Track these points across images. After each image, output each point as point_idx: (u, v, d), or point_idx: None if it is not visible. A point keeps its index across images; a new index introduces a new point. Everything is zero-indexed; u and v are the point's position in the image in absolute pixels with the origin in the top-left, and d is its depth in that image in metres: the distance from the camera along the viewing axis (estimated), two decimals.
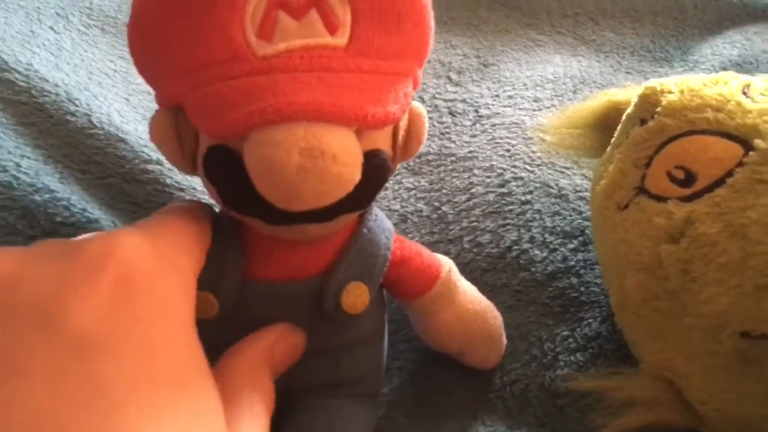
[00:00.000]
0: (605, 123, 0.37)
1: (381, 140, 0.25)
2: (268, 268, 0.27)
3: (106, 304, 0.19)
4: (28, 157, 0.37)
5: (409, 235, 0.39)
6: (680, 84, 0.32)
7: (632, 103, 0.33)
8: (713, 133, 0.29)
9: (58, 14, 0.48)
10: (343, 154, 0.22)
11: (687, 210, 0.28)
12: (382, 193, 0.42)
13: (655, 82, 0.32)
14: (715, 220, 0.27)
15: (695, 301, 0.27)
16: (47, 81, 0.40)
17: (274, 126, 0.22)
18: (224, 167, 0.23)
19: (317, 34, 0.23)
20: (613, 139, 0.34)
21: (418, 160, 0.44)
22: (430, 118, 0.48)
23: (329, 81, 0.23)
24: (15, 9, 0.47)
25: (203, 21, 0.22)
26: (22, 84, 0.40)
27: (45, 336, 0.19)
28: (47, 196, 0.35)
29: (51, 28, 0.47)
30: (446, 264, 0.30)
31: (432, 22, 0.25)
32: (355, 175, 0.23)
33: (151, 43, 0.24)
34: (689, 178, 0.29)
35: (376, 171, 0.25)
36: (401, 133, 0.26)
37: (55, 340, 0.19)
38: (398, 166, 0.44)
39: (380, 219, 0.28)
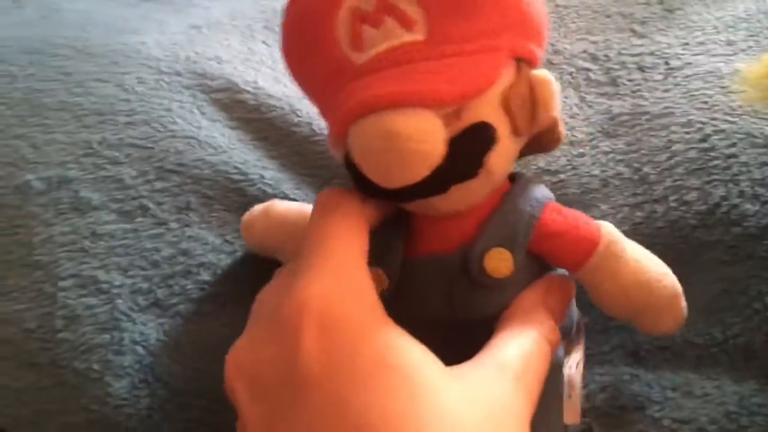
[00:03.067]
0: None
1: (485, 113, 0.28)
2: (419, 243, 0.30)
3: (315, 351, 0.25)
4: (269, 169, 0.43)
5: (612, 199, 0.40)
6: None
7: None
8: None
9: (266, 27, 0.54)
10: (418, 133, 0.26)
11: None
12: (579, 160, 0.44)
13: None
14: None
15: None
16: (272, 96, 0.46)
17: (364, 118, 0.27)
18: (350, 167, 0.29)
19: (396, 34, 0.27)
20: None
21: (611, 122, 0.45)
22: (619, 76, 0.48)
23: (409, 71, 0.27)
24: (230, 29, 0.54)
25: (316, 50, 0.29)
26: (252, 103, 0.46)
27: (301, 396, 0.24)
28: None
29: (263, 42, 0.52)
30: (606, 235, 0.30)
31: None
32: (434, 149, 0.27)
33: (297, 72, 0.32)
34: None
35: (473, 142, 0.28)
36: (516, 101, 0.28)
37: (305, 394, 0.24)
38: (592, 130, 0.45)
39: (529, 189, 0.31)
